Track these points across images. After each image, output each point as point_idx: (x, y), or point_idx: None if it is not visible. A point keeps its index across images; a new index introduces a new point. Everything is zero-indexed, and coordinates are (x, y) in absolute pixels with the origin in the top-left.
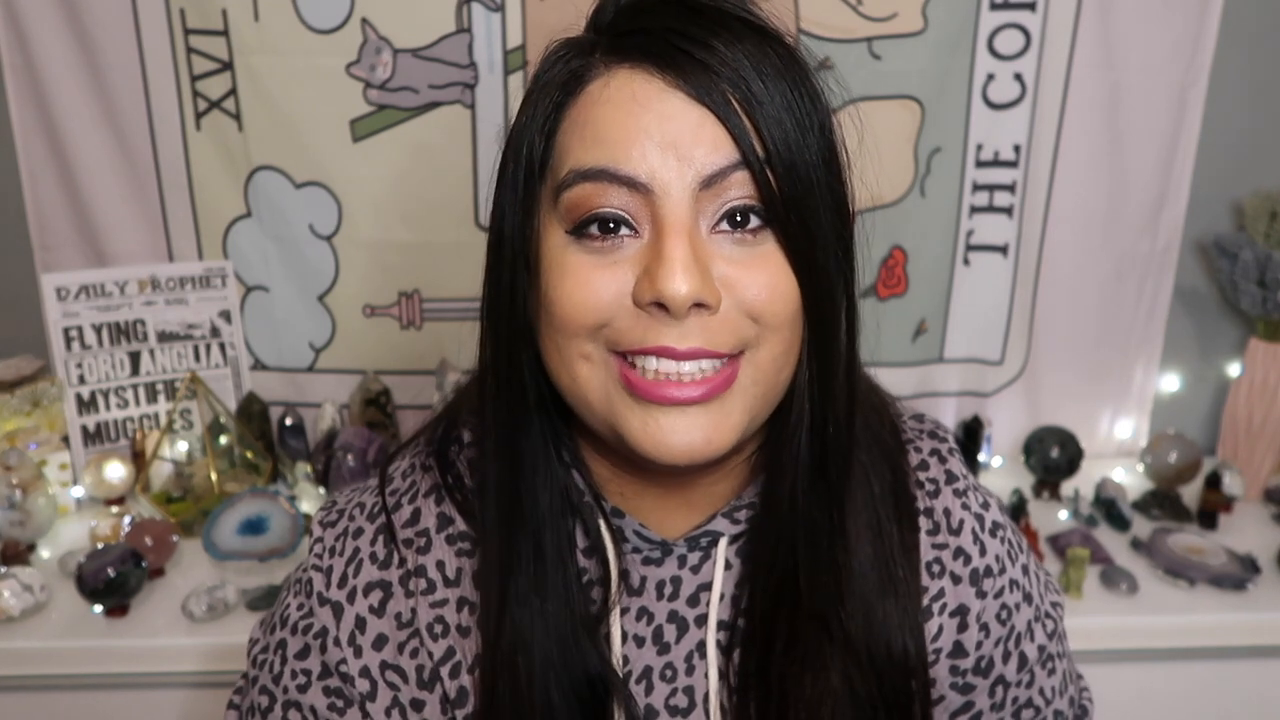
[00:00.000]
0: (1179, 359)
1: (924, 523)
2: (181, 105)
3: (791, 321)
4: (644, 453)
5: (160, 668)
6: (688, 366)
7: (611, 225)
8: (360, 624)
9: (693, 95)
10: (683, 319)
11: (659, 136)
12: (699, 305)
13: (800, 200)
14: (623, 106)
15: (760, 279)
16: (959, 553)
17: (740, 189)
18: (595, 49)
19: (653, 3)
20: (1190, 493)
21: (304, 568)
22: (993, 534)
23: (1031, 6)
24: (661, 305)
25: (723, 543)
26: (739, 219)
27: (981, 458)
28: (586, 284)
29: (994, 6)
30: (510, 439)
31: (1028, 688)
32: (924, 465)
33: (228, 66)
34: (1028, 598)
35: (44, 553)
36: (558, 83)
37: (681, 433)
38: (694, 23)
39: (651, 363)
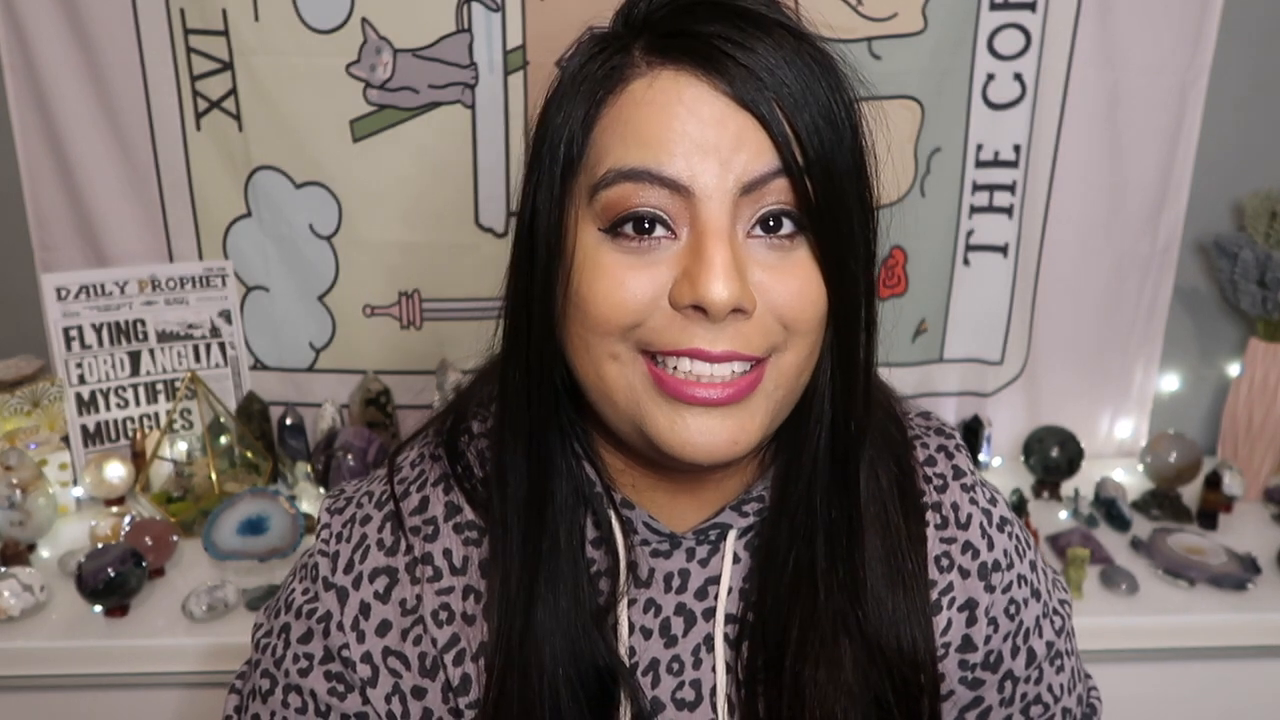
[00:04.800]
0: (1179, 359)
1: (932, 517)
2: (181, 105)
3: (818, 327)
4: (670, 451)
5: (160, 667)
6: (719, 369)
7: (647, 225)
8: (364, 609)
9: (738, 100)
10: (719, 322)
11: (702, 140)
12: (737, 310)
13: (834, 207)
14: (668, 108)
15: (793, 285)
16: (967, 547)
17: (778, 195)
18: (633, 46)
19: (693, 4)
20: (1190, 493)
21: (310, 553)
22: (1000, 529)
23: (1031, 6)
24: (700, 308)
25: (731, 536)
26: (773, 224)
27: (981, 458)
28: (622, 284)
29: (994, 6)
30: (534, 429)
31: (1036, 684)
32: (931, 460)
33: (228, 66)
34: (1036, 593)
35: (44, 553)
36: (597, 78)
37: (708, 433)
38: (737, 27)
39: (684, 364)
